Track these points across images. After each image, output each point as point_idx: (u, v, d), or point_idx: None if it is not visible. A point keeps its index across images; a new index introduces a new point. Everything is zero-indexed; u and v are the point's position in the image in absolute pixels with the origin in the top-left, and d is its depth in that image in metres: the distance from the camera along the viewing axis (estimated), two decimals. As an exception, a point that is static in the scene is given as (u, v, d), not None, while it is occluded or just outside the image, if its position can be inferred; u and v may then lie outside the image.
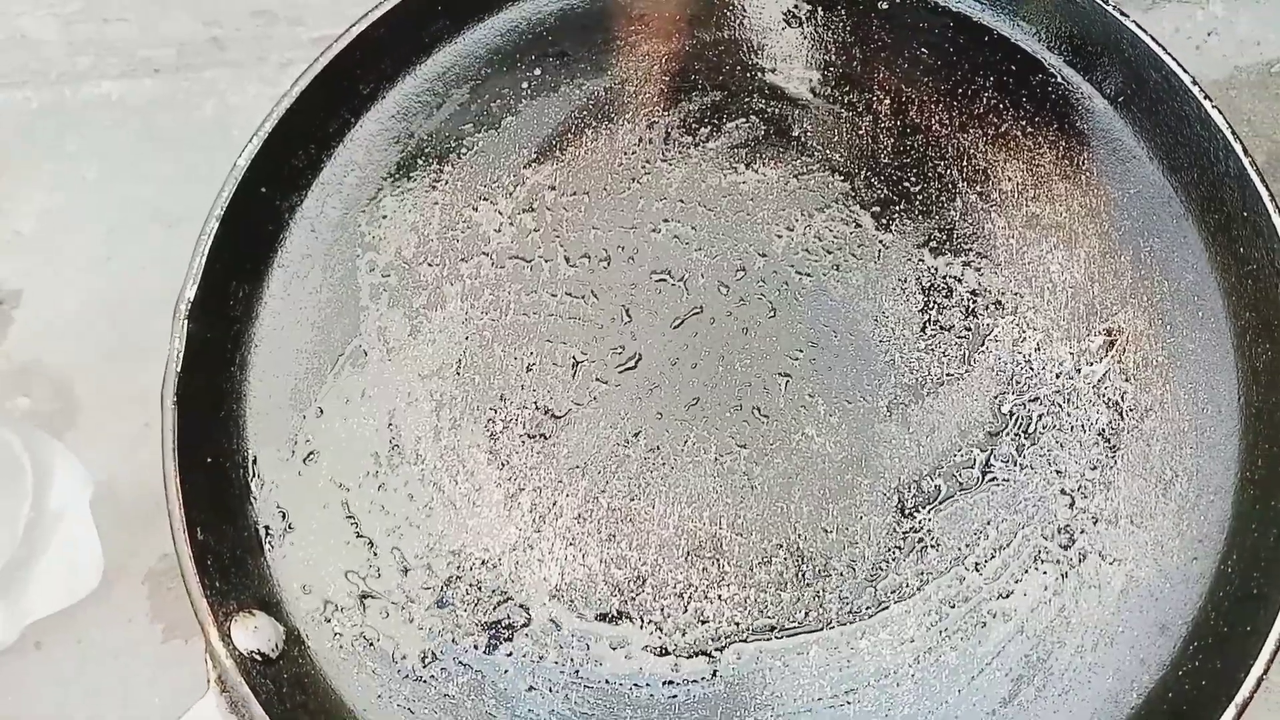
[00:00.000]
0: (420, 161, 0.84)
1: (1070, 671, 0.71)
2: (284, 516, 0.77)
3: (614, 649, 0.73)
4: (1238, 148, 0.75)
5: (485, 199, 0.83)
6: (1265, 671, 0.65)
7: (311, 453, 0.78)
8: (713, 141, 0.83)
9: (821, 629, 0.73)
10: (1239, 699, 0.65)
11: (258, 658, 0.70)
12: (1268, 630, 0.65)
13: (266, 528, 0.76)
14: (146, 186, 0.99)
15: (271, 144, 0.80)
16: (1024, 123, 0.82)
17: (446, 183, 0.83)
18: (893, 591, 0.73)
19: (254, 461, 0.78)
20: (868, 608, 0.73)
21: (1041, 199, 0.81)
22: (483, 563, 0.75)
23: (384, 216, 0.83)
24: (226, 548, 0.74)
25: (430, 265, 0.82)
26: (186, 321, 0.75)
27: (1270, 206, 0.73)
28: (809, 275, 0.80)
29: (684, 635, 0.73)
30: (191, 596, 0.70)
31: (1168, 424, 0.75)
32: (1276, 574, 0.67)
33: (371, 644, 0.74)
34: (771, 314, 0.79)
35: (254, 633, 0.71)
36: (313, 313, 0.81)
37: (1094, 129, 0.82)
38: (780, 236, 0.81)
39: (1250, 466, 0.73)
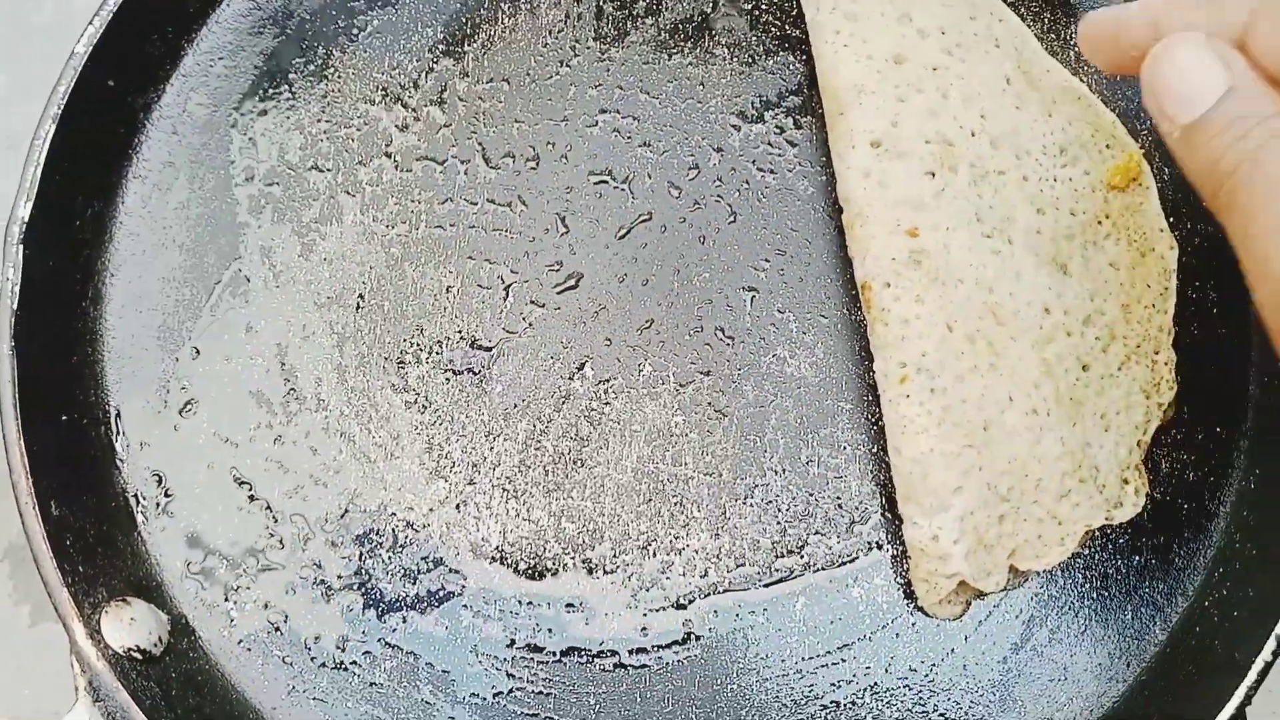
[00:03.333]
0: (303, 46, 0.70)
1: (1086, 609, 0.64)
2: (159, 481, 0.63)
3: (570, 615, 0.63)
4: None
5: (384, 90, 0.69)
6: (1307, 599, 0.58)
7: (189, 402, 0.64)
8: (653, 17, 0.71)
9: (807, 577, 0.63)
10: (1279, 629, 0.58)
11: (137, 655, 0.58)
12: (1305, 552, 0.59)
13: (138, 496, 0.63)
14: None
15: (118, 26, 0.65)
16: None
17: (336, 71, 0.69)
18: (887, 531, 0.64)
19: (118, 416, 0.64)
20: (858, 550, 0.64)
21: (1027, 79, 0.71)
22: (407, 524, 0.63)
23: (261, 113, 0.69)
24: (90, 523, 0.61)
25: (321, 171, 0.68)
26: (21, 247, 0.62)
27: (1285, 80, 0.65)
28: (772, 172, 0.69)
29: (650, 593, 0.63)
30: (49, 586, 0.57)
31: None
32: (1310, 488, 0.60)
33: (277, 629, 0.62)
34: (732, 219, 0.68)
35: (130, 625, 0.58)
36: (180, 233, 0.67)
37: None
38: (737, 128, 0.70)
39: (1268, 372, 0.66)
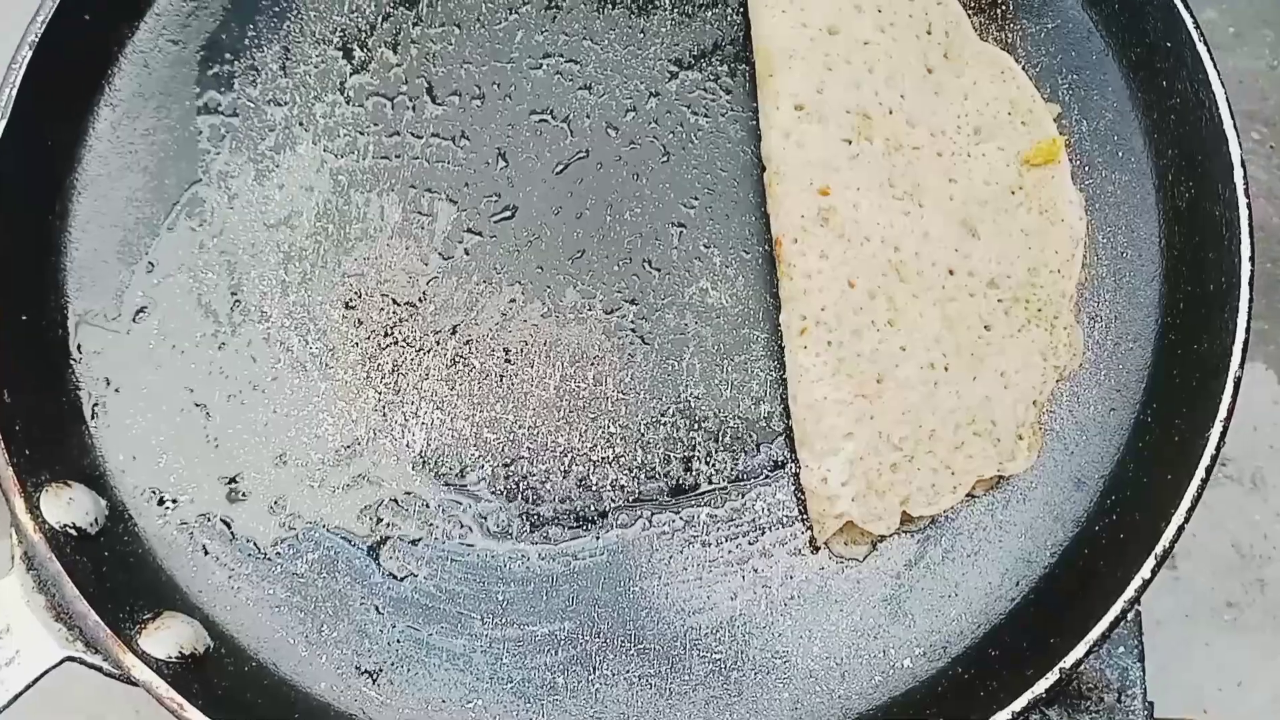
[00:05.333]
0: (268, -12, 0.74)
1: (980, 531, 0.66)
2: (108, 381, 0.68)
3: (485, 519, 0.66)
4: (1162, -28, 0.69)
5: (342, 31, 0.74)
6: (1186, 520, 0.60)
7: (141, 310, 0.69)
8: (597, -33, 0.75)
9: (714, 491, 0.66)
10: (1159, 549, 0.60)
11: (72, 532, 0.62)
12: (1189, 477, 0.61)
13: (89, 394, 0.67)
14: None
15: (95, -36, 0.70)
16: (936, -46, 0.76)
17: (298, 13, 0.74)
18: (791, 451, 0.67)
19: (75, 320, 0.69)
20: (764, 468, 0.67)
21: (954, 35, 0.74)
22: (336, 429, 0.67)
23: (226, 51, 0.73)
24: (41, 414, 0.65)
25: (279, 105, 0.72)
26: (-6, 159, 0.66)
27: (1195, 34, 0.68)
28: (705, 116, 0.72)
29: (565, 502, 0.66)
30: (-7, 464, 0.61)
31: (1086, 269, 0.69)
32: (1199, 420, 0.62)
33: (208, 520, 0.65)
34: (664, 158, 0.72)
35: (68, 505, 0.62)
36: (145, 157, 0.72)
37: (1010, -38, 0.76)
38: (674, 74, 0.73)
39: (1171, 311, 0.68)
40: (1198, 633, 0.83)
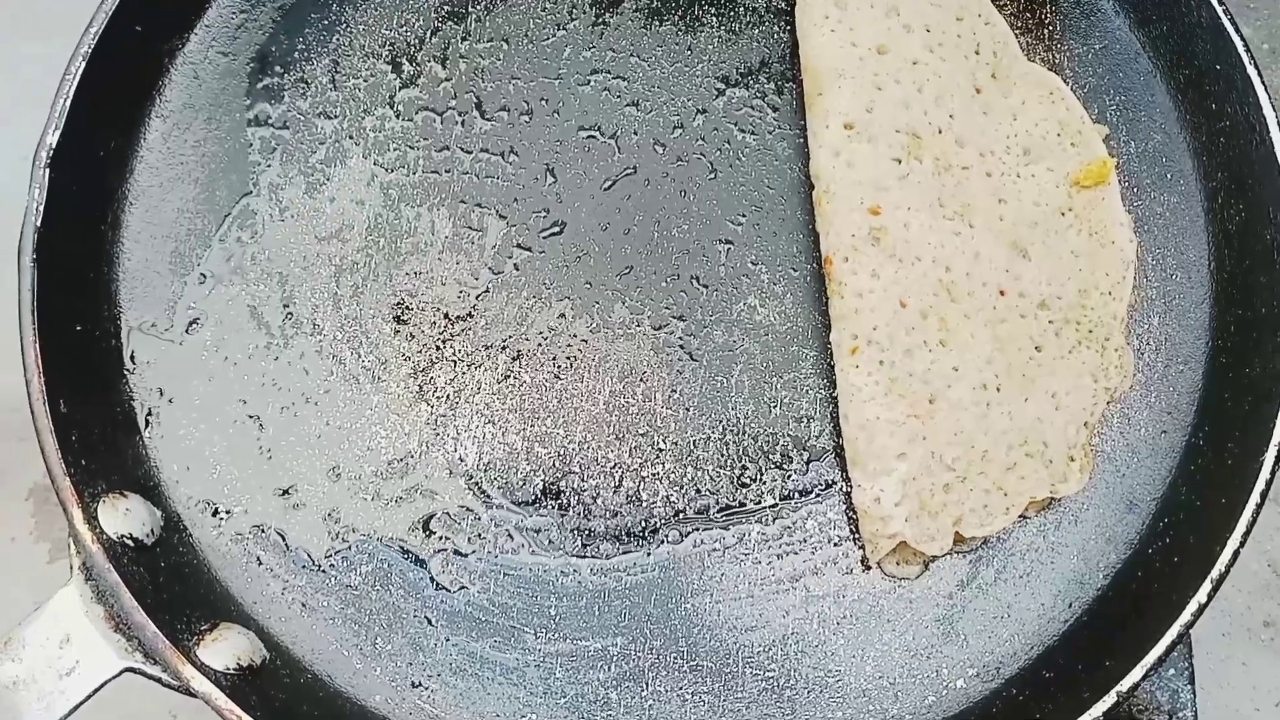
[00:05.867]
0: (319, 2, 0.74)
1: (1032, 552, 0.66)
2: (162, 392, 0.68)
3: (537, 533, 0.66)
4: (1212, -5, 0.69)
5: (391, 46, 0.74)
6: (1241, 544, 0.60)
7: (194, 321, 0.69)
8: (647, -15, 0.75)
9: (764, 509, 0.66)
10: (1214, 574, 0.60)
11: (129, 543, 0.62)
12: (1244, 501, 0.61)
13: (142, 404, 0.67)
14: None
15: (147, -23, 0.70)
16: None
17: (347, 26, 0.74)
18: (841, 470, 0.67)
19: (128, 331, 0.69)
20: (814, 486, 0.67)
21: (1002, 55, 0.74)
22: (389, 441, 0.67)
23: (277, 64, 0.74)
24: (96, 424, 0.65)
25: (329, 118, 0.73)
26: (48, 170, 0.66)
27: (1245, 57, 0.68)
28: (753, 133, 0.73)
29: (615, 518, 0.66)
30: (52, 474, 0.61)
31: (1136, 292, 0.69)
32: (1251, 443, 0.63)
33: (262, 531, 0.66)
34: (712, 175, 0.72)
35: (125, 515, 0.62)
36: (196, 168, 0.72)
37: (1057, -18, 0.76)
38: (721, 91, 0.73)
39: (1222, 334, 0.68)
40: (1235, 652, 0.83)
